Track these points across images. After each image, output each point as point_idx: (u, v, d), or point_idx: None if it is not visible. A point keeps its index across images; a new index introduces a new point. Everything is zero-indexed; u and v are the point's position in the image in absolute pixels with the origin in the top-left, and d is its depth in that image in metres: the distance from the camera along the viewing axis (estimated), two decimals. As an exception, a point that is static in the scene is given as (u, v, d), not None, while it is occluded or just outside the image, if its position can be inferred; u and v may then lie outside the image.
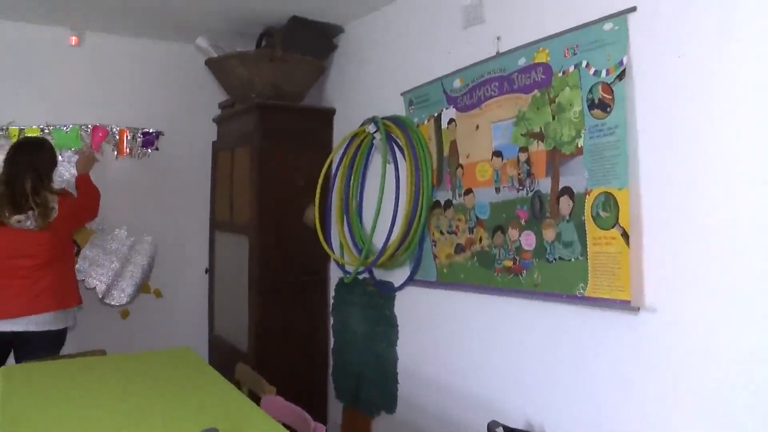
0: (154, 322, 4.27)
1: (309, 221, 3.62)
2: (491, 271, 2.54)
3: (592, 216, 2.07)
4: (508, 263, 2.45)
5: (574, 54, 2.12)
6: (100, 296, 4.04)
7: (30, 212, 3.21)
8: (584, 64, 2.08)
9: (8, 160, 3.31)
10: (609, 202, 2.00)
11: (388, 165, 3.10)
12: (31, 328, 3.26)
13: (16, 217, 3.20)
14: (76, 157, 3.84)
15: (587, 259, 2.09)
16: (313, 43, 3.71)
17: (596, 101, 2.04)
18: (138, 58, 4.17)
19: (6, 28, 3.83)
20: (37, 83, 3.91)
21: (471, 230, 2.67)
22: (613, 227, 1.99)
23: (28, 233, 3.23)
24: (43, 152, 3.40)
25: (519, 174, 2.39)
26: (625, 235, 1.95)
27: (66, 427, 2.08)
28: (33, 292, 3.26)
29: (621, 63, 1.96)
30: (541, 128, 2.29)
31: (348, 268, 3.44)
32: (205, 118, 4.28)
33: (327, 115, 3.81)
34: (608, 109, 2.00)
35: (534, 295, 2.33)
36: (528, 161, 2.35)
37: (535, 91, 2.31)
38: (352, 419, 3.53)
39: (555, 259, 2.22)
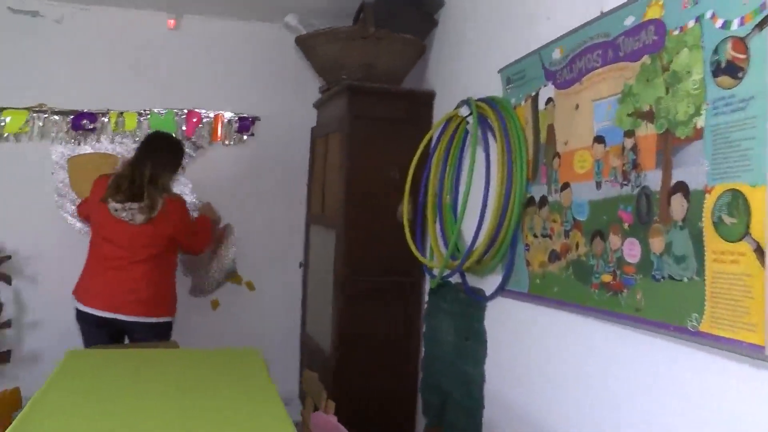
0: (245, 315, 4.14)
1: (407, 216, 3.25)
2: (587, 286, 2.03)
3: (713, 222, 1.52)
4: (607, 278, 1.93)
5: (696, 3, 1.57)
6: (189, 289, 3.95)
7: (134, 204, 3.14)
8: (709, 14, 1.53)
9: (138, 148, 3.36)
10: (737, 203, 1.45)
11: (478, 154, 2.66)
12: (124, 318, 3.22)
13: (113, 205, 3.15)
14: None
15: (704, 280, 1.54)
16: (412, 19, 3.34)
17: (723, 64, 1.49)
18: (235, 41, 4.04)
19: (105, 14, 3.81)
20: (134, 67, 3.88)
21: (567, 234, 2.17)
22: (741, 239, 1.44)
23: (127, 225, 3.17)
24: (171, 151, 3.40)
25: (623, 165, 1.87)
26: (760, 251, 1.39)
27: (91, 415, 2.08)
28: (124, 290, 3.22)
29: (763, 7, 1.39)
30: (650, 106, 1.75)
31: (436, 271, 3.04)
32: (305, 102, 4.05)
33: (426, 99, 3.41)
34: (740, 75, 1.44)
35: (635, 322, 1.80)
36: (634, 148, 1.82)
37: (645, 58, 1.77)
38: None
39: (663, 278, 1.69)
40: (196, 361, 2.83)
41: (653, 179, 1.74)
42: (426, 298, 3.39)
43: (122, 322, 3.24)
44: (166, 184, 3.32)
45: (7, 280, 3.75)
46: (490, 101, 2.62)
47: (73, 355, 2.76)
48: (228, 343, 3.78)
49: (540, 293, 2.34)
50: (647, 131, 1.76)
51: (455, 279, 2.96)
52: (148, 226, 3.21)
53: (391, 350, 3.43)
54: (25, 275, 3.83)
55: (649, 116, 1.75)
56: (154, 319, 3.30)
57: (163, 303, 3.34)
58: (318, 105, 3.95)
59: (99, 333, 3.29)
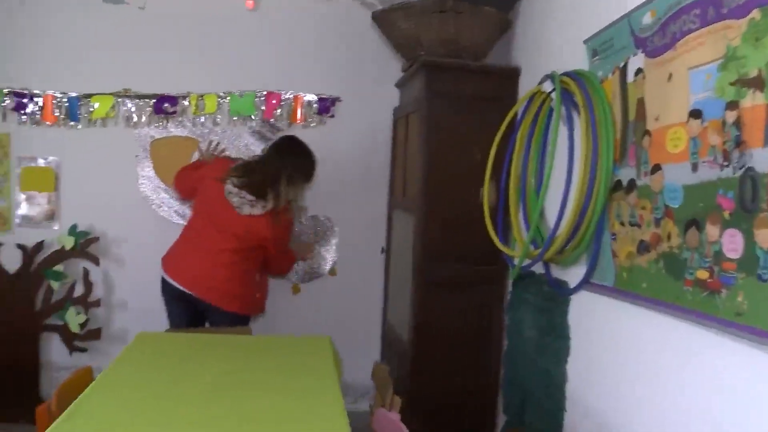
0: (326, 301, 4.07)
1: (490, 201, 3.04)
2: (680, 282, 1.77)
3: (833, 212, 1.24)
4: (703, 275, 1.66)
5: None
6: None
7: (250, 195, 3.15)
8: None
9: (278, 147, 3.34)
10: None
11: (563, 133, 2.42)
12: (201, 299, 3.23)
13: (230, 187, 3.15)
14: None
15: (820, 282, 1.27)
16: (494, -8, 3.10)
17: None
18: (314, 19, 3.93)
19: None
20: (214, 50, 3.86)
21: (657, 222, 1.91)
22: None
23: (232, 210, 3.15)
24: (310, 165, 3.37)
25: (724, 143, 1.59)
26: None
27: (146, 397, 2.09)
28: (206, 273, 3.23)
29: None
30: (759, 71, 1.47)
31: (517, 260, 2.82)
32: (388, 82, 3.89)
33: (510, 76, 3.17)
34: None
35: (735, 329, 1.53)
36: (737, 123, 1.54)
37: (754, 12, 1.49)
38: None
39: (770, 277, 1.42)
40: (263, 347, 2.77)
41: (761, 159, 1.46)
42: (510, 288, 3.17)
43: (200, 301, 3.24)
44: (296, 193, 3.33)
45: (95, 261, 3.86)
46: (574, 75, 2.37)
47: (142, 338, 2.77)
48: (307, 328, 3.72)
49: (627, 288, 2.09)
50: (754, 101, 1.48)
51: (539, 270, 2.73)
52: (249, 220, 3.18)
53: (472, 343, 3.24)
54: (112, 257, 3.93)
55: (758, 83, 1.47)
56: (227, 311, 3.27)
57: (238, 299, 3.29)
58: (400, 84, 3.78)
59: (180, 308, 3.32)
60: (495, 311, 3.23)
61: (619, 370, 2.16)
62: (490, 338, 3.24)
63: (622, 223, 2.12)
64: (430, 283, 3.18)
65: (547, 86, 2.52)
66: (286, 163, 3.25)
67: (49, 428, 1.81)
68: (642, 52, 2.00)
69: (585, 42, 2.38)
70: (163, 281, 3.33)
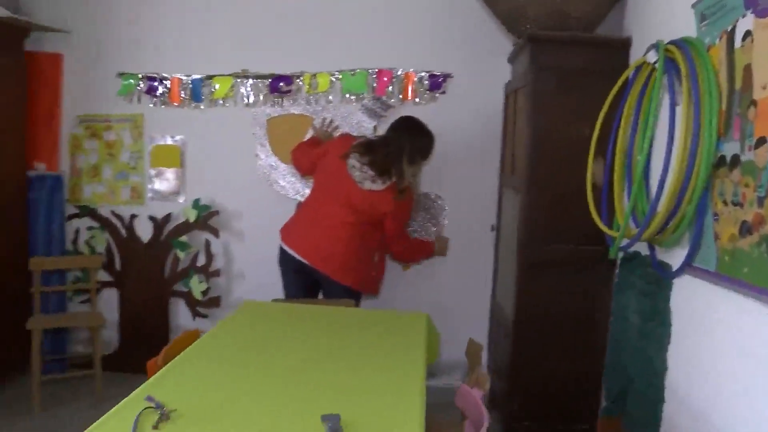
0: (435, 278, 4.09)
1: (595, 180, 2.92)
2: (781, 268, 1.61)
3: None
4: (803, 260, 1.51)
5: None
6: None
7: (372, 171, 3.26)
8: None
9: (398, 127, 3.43)
10: None
11: (667, 105, 2.25)
12: (317, 269, 3.35)
13: (353, 162, 3.28)
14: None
15: None
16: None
17: None
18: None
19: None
20: (325, 29, 3.97)
21: (761, 202, 1.75)
22: None
23: (353, 185, 3.26)
24: (429, 143, 3.45)
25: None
26: None
27: (239, 361, 2.25)
28: (324, 246, 3.34)
29: None
30: None
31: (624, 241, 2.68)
32: (500, 57, 3.81)
33: (620, 47, 2.98)
34: None
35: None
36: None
37: None
38: (610, 428, 2.80)
39: None
40: (360, 320, 2.85)
41: None
42: (617, 271, 3.02)
43: (316, 272, 3.37)
44: (415, 171, 3.43)
45: (215, 233, 4.13)
46: (680, 43, 2.20)
47: (248, 306, 2.95)
48: (415, 305, 3.77)
49: (728, 273, 1.93)
50: None
51: (646, 251, 2.58)
52: (370, 195, 3.28)
53: (577, 327, 3.14)
54: (232, 230, 4.20)
55: None
56: (341, 284, 3.38)
57: (354, 273, 3.39)
58: (511, 59, 3.69)
59: (296, 279, 3.48)
60: (602, 294, 3.10)
61: (720, 361, 2.01)
62: (596, 322, 3.11)
63: (725, 203, 1.96)
64: (534, 264, 3.11)
65: (652, 56, 2.36)
66: (407, 141, 3.32)
67: (149, 379, 1.99)
68: (752, 12, 1.82)
69: (693, 6, 2.20)
70: (282, 252, 3.49)
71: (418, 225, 4.04)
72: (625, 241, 2.51)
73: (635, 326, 2.69)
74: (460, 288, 4.07)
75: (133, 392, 1.86)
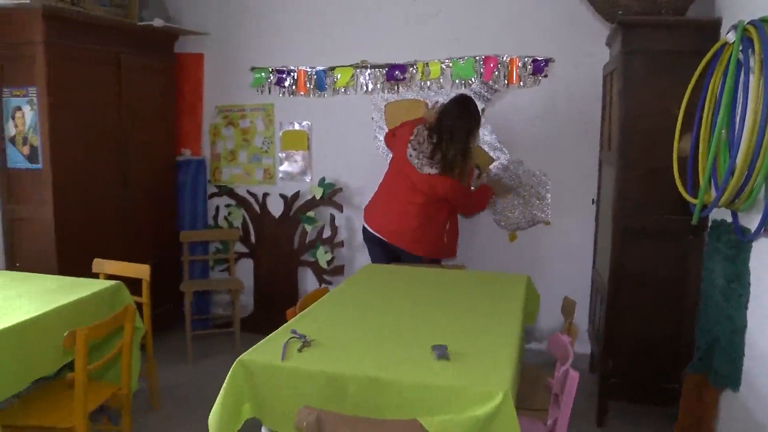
0: (539, 249, 4.38)
1: (683, 154, 3.12)
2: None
3: None
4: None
5: None
6: (494, 216, 4.35)
7: (426, 157, 3.62)
8: None
9: (449, 109, 3.72)
10: None
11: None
12: (393, 246, 3.75)
13: (410, 151, 3.67)
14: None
15: None
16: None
17: None
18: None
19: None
20: (435, 20, 4.31)
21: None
22: None
23: (414, 170, 3.65)
24: (467, 124, 3.69)
25: None
26: None
27: (356, 311, 2.66)
28: (396, 224, 3.76)
29: None
30: None
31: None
32: (599, 40, 4.02)
33: (710, 28, 3.13)
34: None
35: None
36: None
37: None
38: (696, 385, 3.01)
39: None
40: (467, 279, 3.21)
41: None
42: (707, 238, 3.20)
43: (394, 247, 3.80)
44: (457, 149, 3.65)
45: (339, 208, 4.62)
46: (757, 23, 2.38)
47: (368, 268, 3.40)
48: (520, 272, 4.07)
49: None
50: None
51: (731, 219, 2.77)
52: (429, 179, 3.65)
53: (670, 291, 3.35)
54: (353, 205, 4.68)
55: None
56: (417, 255, 3.77)
57: (425, 244, 3.76)
58: (608, 42, 3.89)
59: (379, 252, 3.93)
60: (693, 261, 3.28)
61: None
62: (687, 287, 3.31)
63: (792, 170, 2.15)
64: (628, 233, 3.34)
65: (731, 37, 2.54)
66: (447, 124, 3.63)
67: (287, 322, 2.47)
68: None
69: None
70: (365, 230, 3.93)
71: (522, 199, 4.32)
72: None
73: (720, 288, 2.88)
74: (564, 259, 4.34)
75: (279, 328, 2.33)
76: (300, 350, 2.11)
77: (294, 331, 2.23)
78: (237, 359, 2.06)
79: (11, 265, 3.91)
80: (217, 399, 2.05)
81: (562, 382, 2.14)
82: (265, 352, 2.11)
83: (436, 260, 3.86)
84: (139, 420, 3.46)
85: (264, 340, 2.23)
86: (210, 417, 2.04)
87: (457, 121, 3.63)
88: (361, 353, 2.11)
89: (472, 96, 4.28)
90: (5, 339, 2.42)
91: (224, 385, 2.05)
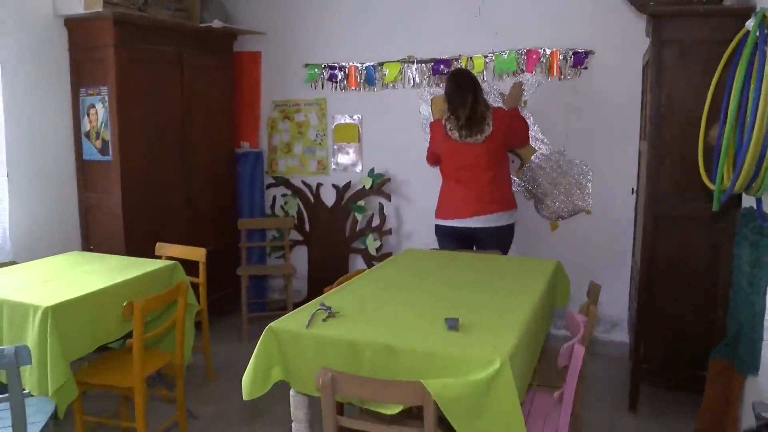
0: (581, 237, 4.46)
1: (711, 142, 3.17)
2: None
3: None
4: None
5: None
6: (536, 207, 4.46)
7: (471, 128, 3.80)
8: None
9: (455, 84, 3.89)
10: None
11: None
12: (481, 225, 3.91)
13: (455, 133, 3.85)
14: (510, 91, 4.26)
15: None
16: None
17: None
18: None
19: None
20: (478, 15, 4.46)
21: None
22: None
23: (470, 146, 3.83)
24: (477, 81, 3.93)
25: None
26: None
27: (389, 284, 2.90)
28: (476, 198, 3.89)
29: None
30: None
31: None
32: (639, 31, 4.07)
33: (743, 16, 3.14)
34: None
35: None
36: None
37: None
38: (722, 371, 3.05)
39: None
40: (499, 262, 3.34)
41: None
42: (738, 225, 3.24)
43: (471, 230, 3.91)
44: (485, 104, 3.88)
45: (388, 197, 4.83)
46: (776, 10, 2.43)
47: (409, 251, 3.62)
48: (561, 261, 4.17)
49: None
50: None
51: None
52: (485, 143, 3.80)
53: (702, 278, 3.40)
54: (402, 195, 4.89)
55: None
56: (497, 222, 3.89)
57: (506, 198, 3.93)
58: (647, 33, 3.93)
59: (450, 243, 4.05)
60: (725, 248, 3.32)
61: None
62: (720, 275, 3.35)
63: (798, 155, 2.21)
64: (660, 219, 3.41)
65: (749, 23, 2.59)
66: (457, 98, 3.80)
67: (322, 294, 2.70)
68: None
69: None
70: (439, 227, 4.02)
71: (564, 189, 4.42)
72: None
73: (746, 274, 2.93)
74: (604, 248, 4.40)
75: (311, 301, 2.56)
76: (325, 320, 2.33)
77: (322, 304, 2.45)
78: (267, 326, 2.30)
79: (86, 247, 4.31)
80: (250, 362, 2.29)
81: (568, 355, 2.27)
82: (293, 321, 2.34)
83: (509, 235, 3.99)
84: (195, 390, 3.78)
85: (294, 311, 2.46)
86: (243, 378, 2.28)
87: (459, 91, 3.81)
88: (378, 324, 2.31)
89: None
90: (77, 306, 2.78)
91: (256, 349, 2.29)
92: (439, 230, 4.07)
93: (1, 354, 2.03)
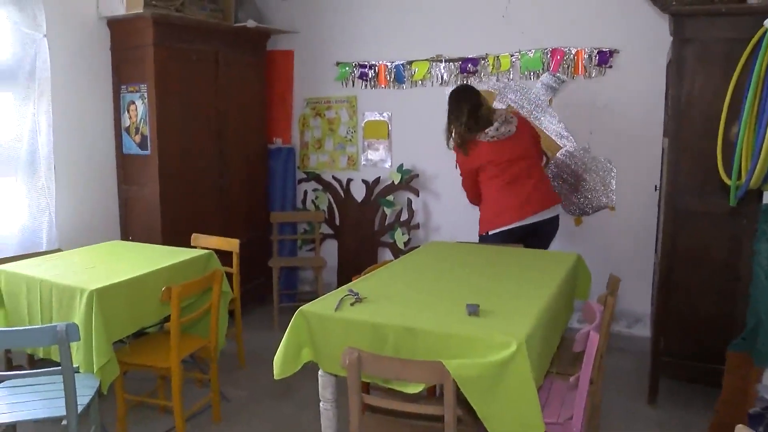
0: (604, 233, 4.52)
1: (733, 139, 3.23)
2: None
3: None
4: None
5: None
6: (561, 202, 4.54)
7: (493, 126, 3.87)
8: None
9: (456, 101, 3.96)
10: None
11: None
12: (543, 218, 3.97)
13: (484, 135, 3.87)
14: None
15: None
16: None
17: None
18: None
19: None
20: (505, 15, 4.56)
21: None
22: None
23: (507, 141, 3.87)
24: (475, 90, 4.01)
25: None
26: None
27: (410, 273, 3.04)
28: (529, 195, 3.91)
29: None
30: None
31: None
32: (664, 30, 4.12)
33: (763, 16, 3.21)
34: None
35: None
36: None
37: None
38: (738, 363, 3.11)
39: None
40: (521, 255, 3.42)
41: None
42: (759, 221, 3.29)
43: (535, 225, 3.94)
44: (483, 103, 3.94)
45: (416, 192, 4.96)
46: (787, 12, 2.50)
47: (433, 243, 3.75)
48: (586, 256, 4.24)
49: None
50: None
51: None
52: (518, 136, 3.86)
53: (721, 272, 3.45)
54: (429, 190, 5.01)
55: None
56: (554, 213, 3.98)
57: (554, 190, 4.08)
58: (671, 32, 3.99)
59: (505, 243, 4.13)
60: (746, 244, 3.37)
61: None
62: (740, 270, 3.40)
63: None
64: (680, 213, 3.47)
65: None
66: (465, 110, 3.86)
67: (352, 281, 2.83)
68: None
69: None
70: (494, 235, 3.95)
71: (588, 185, 4.49)
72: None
73: (765, 269, 2.99)
74: (628, 244, 4.46)
75: (339, 288, 2.70)
76: (352, 304, 2.47)
77: (350, 290, 2.59)
78: (298, 309, 2.44)
79: (125, 237, 4.51)
80: (281, 343, 2.43)
81: (583, 341, 2.37)
82: (323, 305, 2.48)
83: (556, 227, 4.06)
84: (228, 375, 3.95)
85: (324, 296, 2.61)
86: (275, 358, 2.43)
87: (460, 104, 3.90)
88: (402, 308, 2.44)
89: (541, 87, 4.50)
90: (119, 290, 2.96)
91: (287, 331, 2.43)
92: (498, 237, 3.94)
93: (54, 330, 2.21)
